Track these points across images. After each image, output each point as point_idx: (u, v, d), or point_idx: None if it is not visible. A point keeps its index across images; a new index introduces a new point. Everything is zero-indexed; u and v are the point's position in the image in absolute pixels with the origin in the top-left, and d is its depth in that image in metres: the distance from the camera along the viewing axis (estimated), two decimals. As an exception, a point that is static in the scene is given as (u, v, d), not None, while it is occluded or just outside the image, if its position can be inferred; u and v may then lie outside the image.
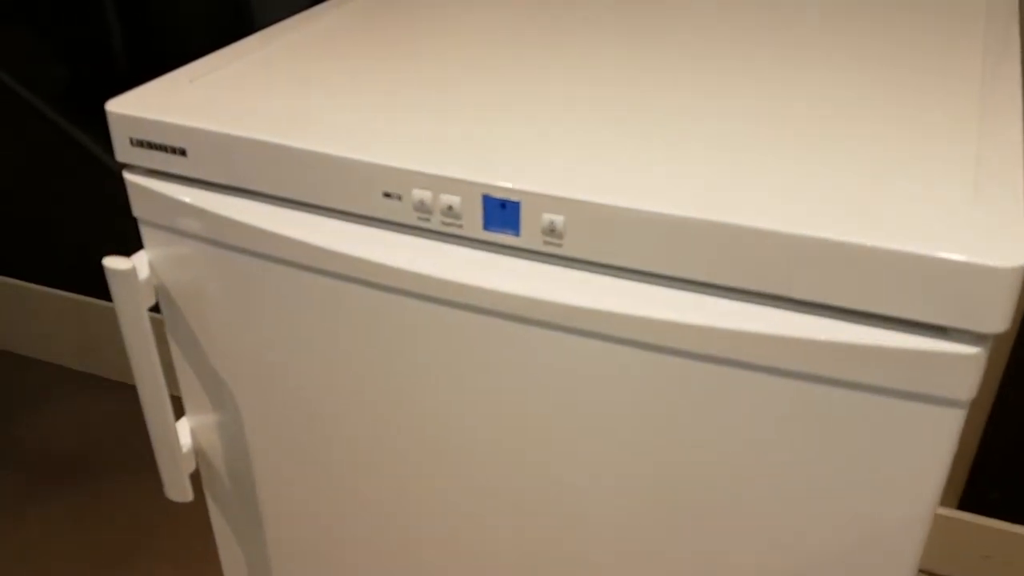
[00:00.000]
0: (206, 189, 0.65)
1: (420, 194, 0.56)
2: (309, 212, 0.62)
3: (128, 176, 0.67)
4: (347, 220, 0.61)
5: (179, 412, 0.80)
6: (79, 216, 1.48)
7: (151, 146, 0.64)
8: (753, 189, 0.52)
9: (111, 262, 0.66)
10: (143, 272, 0.69)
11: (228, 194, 0.64)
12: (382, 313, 0.62)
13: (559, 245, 0.54)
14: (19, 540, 1.19)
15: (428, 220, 0.57)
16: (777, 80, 0.67)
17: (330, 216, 0.62)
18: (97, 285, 1.52)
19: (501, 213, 0.55)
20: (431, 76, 0.68)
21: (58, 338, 1.57)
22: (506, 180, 0.54)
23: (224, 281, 0.67)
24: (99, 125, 1.39)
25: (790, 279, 0.50)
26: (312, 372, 0.68)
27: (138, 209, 0.68)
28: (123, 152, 0.66)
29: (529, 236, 0.55)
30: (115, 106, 0.65)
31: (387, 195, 0.58)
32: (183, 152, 0.63)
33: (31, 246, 1.52)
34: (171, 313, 0.72)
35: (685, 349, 0.54)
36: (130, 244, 1.42)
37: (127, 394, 1.54)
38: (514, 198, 0.54)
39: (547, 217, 0.54)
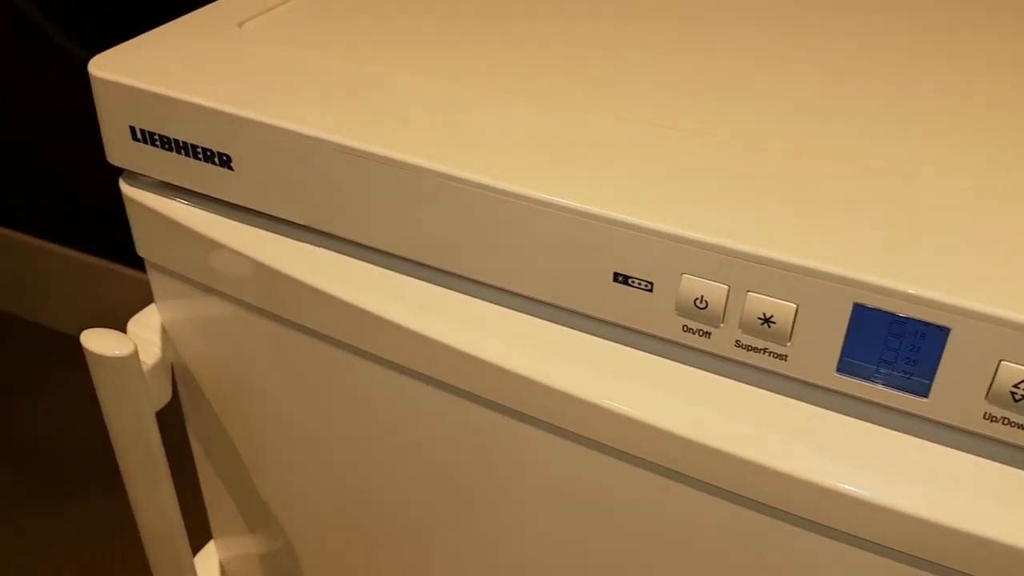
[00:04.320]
0: (256, 224, 0.36)
1: (698, 286, 0.27)
2: (448, 286, 0.33)
3: (128, 189, 0.39)
4: (513, 307, 0.32)
5: (202, 535, 0.53)
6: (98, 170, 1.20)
7: (168, 146, 0.36)
8: None
9: (95, 340, 0.38)
10: (151, 352, 0.40)
11: (297, 238, 0.36)
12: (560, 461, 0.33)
13: (1028, 429, 0.25)
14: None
15: (707, 336, 0.28)
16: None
17: (485, 298, 0.33)
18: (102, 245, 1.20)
19: (889, 344, 0.26)
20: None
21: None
22: (919, 279, 0.25)
23: (280, 369, 0.39)
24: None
25: None
26: (400, 503, 0.40)
27: (145, 246, 0.40)
28: (119, 150, 0.37)
29: (952, 402, 0.26)
30: (102, 66, 0.36)
31: (621, 279, 0.29)
32: (227, 161, 0.35)
33: (38, 196, 1.22)
34: (194, 403, 0.44)
35: None
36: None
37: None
38: (937, 319, 0.25)
39: (1016, 369, 0.24)
